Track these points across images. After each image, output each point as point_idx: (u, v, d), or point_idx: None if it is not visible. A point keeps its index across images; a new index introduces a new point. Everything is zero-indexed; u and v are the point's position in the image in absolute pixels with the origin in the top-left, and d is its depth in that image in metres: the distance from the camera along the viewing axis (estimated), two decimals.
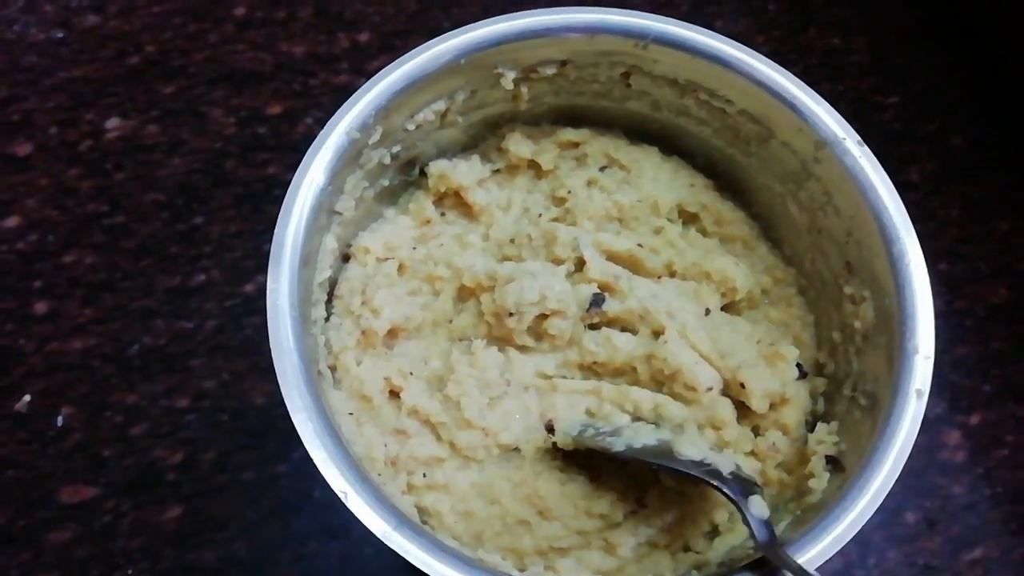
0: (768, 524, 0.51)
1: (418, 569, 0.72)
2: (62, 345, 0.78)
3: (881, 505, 0.77)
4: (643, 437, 0.56)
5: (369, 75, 0.60)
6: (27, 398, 0.76)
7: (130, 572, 0.71)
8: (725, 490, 0.52)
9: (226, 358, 0.79)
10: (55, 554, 0.71)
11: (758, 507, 0.52)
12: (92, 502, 0.73)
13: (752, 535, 0.51)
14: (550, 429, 0.60)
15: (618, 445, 0.56)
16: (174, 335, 0.79)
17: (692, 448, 0.55)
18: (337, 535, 0.73)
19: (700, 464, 0.54)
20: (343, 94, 0.59)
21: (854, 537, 0.76)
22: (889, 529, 0.77)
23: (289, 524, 0.73)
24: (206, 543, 0.72)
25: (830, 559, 0.75)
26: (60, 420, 0.75)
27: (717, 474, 0.53)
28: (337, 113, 0.57)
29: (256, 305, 0.81)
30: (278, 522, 0.73)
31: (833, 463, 0.57)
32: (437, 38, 0.60)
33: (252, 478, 0.75)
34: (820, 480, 0.56)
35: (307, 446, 0.47)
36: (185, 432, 0.76)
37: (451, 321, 0.64)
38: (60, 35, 0.92)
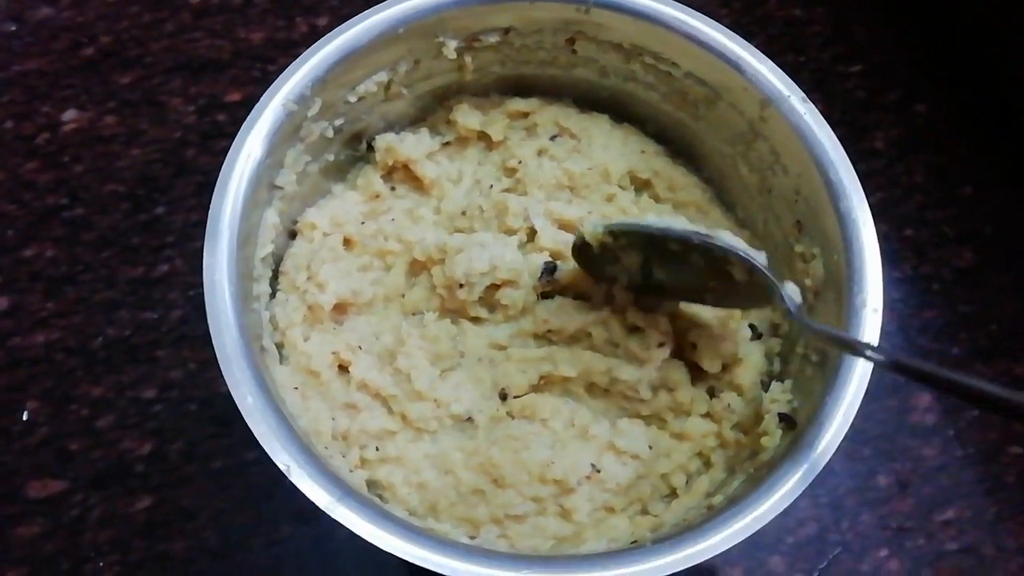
0: (801, 307, 0.53)
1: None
2: (24, 340, 0.78)
3: (853, 469, 0.78)
4: (680, 223, 0.56)
5: None
6: None
7: (100, 565, 0.70)
8: (766, 273, 0.53)
9: (192, 348, 0.78)
10: (24, 549, 0.70)
11: (792, 291, 0.53)
12: (60, 496, 0.72)
13: (790, 314, 0.52)
14: (503, 397, 0.60)
15: (657, 224, 0.55)
16: (138, 326, 0.79)
17: (733, 239, 0.54)
18: (308, 519, 0.73)
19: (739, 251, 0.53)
20: None
21: (828, 502, 0.77)
22: (862, 493, 0.77)
23: (260, 510, 0.73)
24: (176, 533, 0.72)
25: (804, 524, 0.76)
26: (25, 415, 0.75)
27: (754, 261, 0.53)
28: (272, 85, 0.56)
29: None
30: (249, 509, 0.73)
31: (786, 420, 0.57)
32: (374, 7, 0.59)
33: (221, 466, 0.74)
34: (773, 438, 0.55)
35: (247, 419, 0.47)
36: (153, 423, 0.75)
37: (403, 296, 0.64)
38: (12, 28, 0.91)
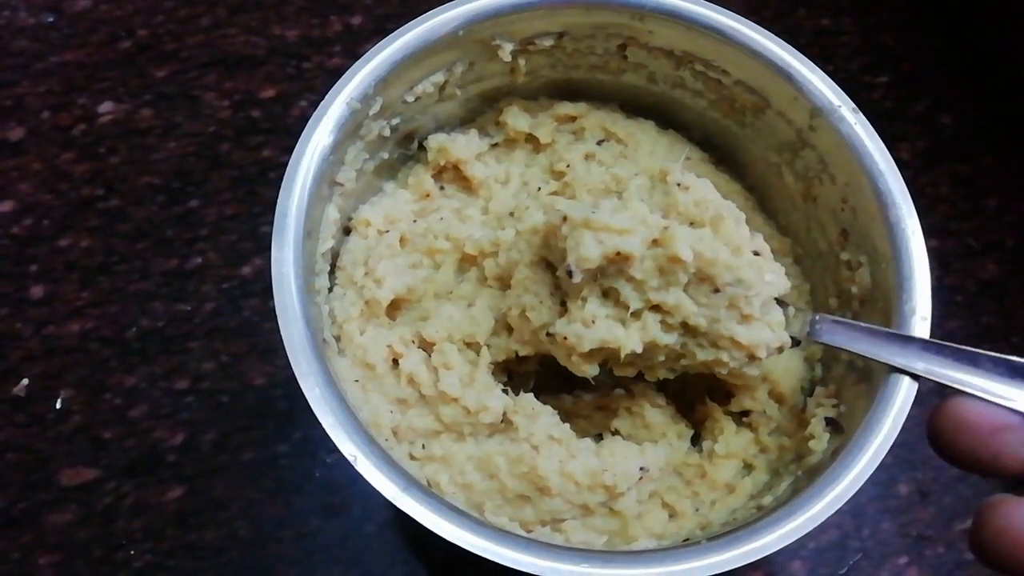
0: None
1: (418, 545, 0.73)
2: (59, 328, 0.78)
3: (875, 477, 0.79)
4: None
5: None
6: (25, 382, 0.76)
7: (132, 552, 0.71)
8: None
9: (224, 340, 0.79)
10: (57, 536, 0.71)
11: None
12: (93, 484, 0.73)
13: None
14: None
15: None
16: (172, 317, 0.79)
17: None
18: (337, 513, 0.74)
19: None
20: (336, 77, 0.59)
21: (849, 509, 0.77)
22: (883, 501, 0.78)
23: (290, 503, 0.74)
24: (208, 523, 0.72)
25: (826, 530, 0.77)
26: (59, 403, 0.75)
27: None
28: (337, 83, 0.57)
29: (253, 287, 0.81)
30: (279, 501, 0.74)
31: (833, 425, 0.57)
32: (435, 9, 0.60)
33: (252, 458, 0.75)
34: (820, 441, 0.56)
35: (315, 410, 0.47)
36: (185, 414, 0.76)
37: (452, 292, 0.64)
38: (51, 19, 0.91)
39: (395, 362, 0.59)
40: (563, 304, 0.56)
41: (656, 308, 0.53)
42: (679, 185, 0.54)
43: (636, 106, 0.71)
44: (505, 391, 0.58)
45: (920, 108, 0.96)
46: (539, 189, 0.67)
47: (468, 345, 0.61)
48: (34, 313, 0.79)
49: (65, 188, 0.84)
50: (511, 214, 0.66)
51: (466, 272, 0.65)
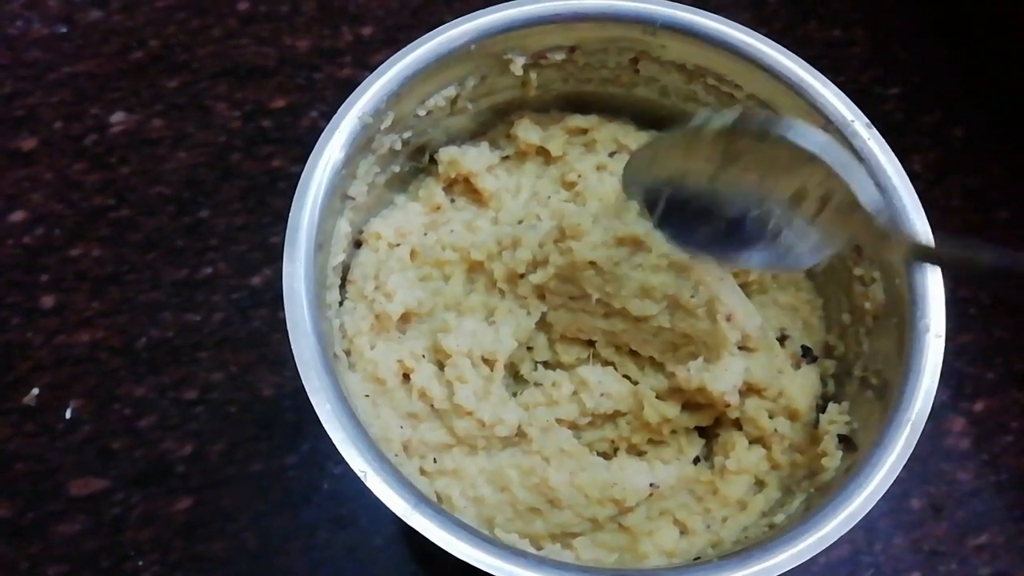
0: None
1: (425, 559, 0.73)
2: (69, 338, 0.78)
3: (887, 492, 0.78)
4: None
5: (372, 69, 0.60)
6: (35, 391, 0.76)
7: (140, 564, 0.71)
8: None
9: (234, 350, 0.79)
10: (64, 546, 0.71)
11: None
12: (101, 494, 0.73)
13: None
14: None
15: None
16: (181, 328, 0.80)
17: None
18: (345, 525, 0.74)
19: None
20: (347, 88, 0.59)
21: (861, 524, 0.77)
22: (895, 515, 0.78)
23: (298, 515, 0.74)
24: (216, 534, 0.72)
25: (838, 545, 0.76)
26: (68, 413, 0.76)
27: None
28: (350, 98, 0.57)
29: (263, 298, 0.81)
30: (287, 513, 0.74)
31: (845, 442, 0.57)
32: (448, 24, 0.60)
33: (261, 469, 0.75)
34: (833, 459, 0.56)
35: (325, 426, 0.47)
36: (194, 424, 0.76)
37: (460, 304, 0.64)
38: (63, 30, 0.92)
39: (406, 376, 0.59)
40: None
41: None
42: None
43: (648, 120, 0.71)
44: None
45: (931, 120, 0.95)
46: (549, 198, 0.67)
47: (485, 361, 0.61)
48: (44, 323, 0.79)
49: (76, 198, 0.84)
50: (520, 223, 0.66)
51: (475, 281, 0.65)
